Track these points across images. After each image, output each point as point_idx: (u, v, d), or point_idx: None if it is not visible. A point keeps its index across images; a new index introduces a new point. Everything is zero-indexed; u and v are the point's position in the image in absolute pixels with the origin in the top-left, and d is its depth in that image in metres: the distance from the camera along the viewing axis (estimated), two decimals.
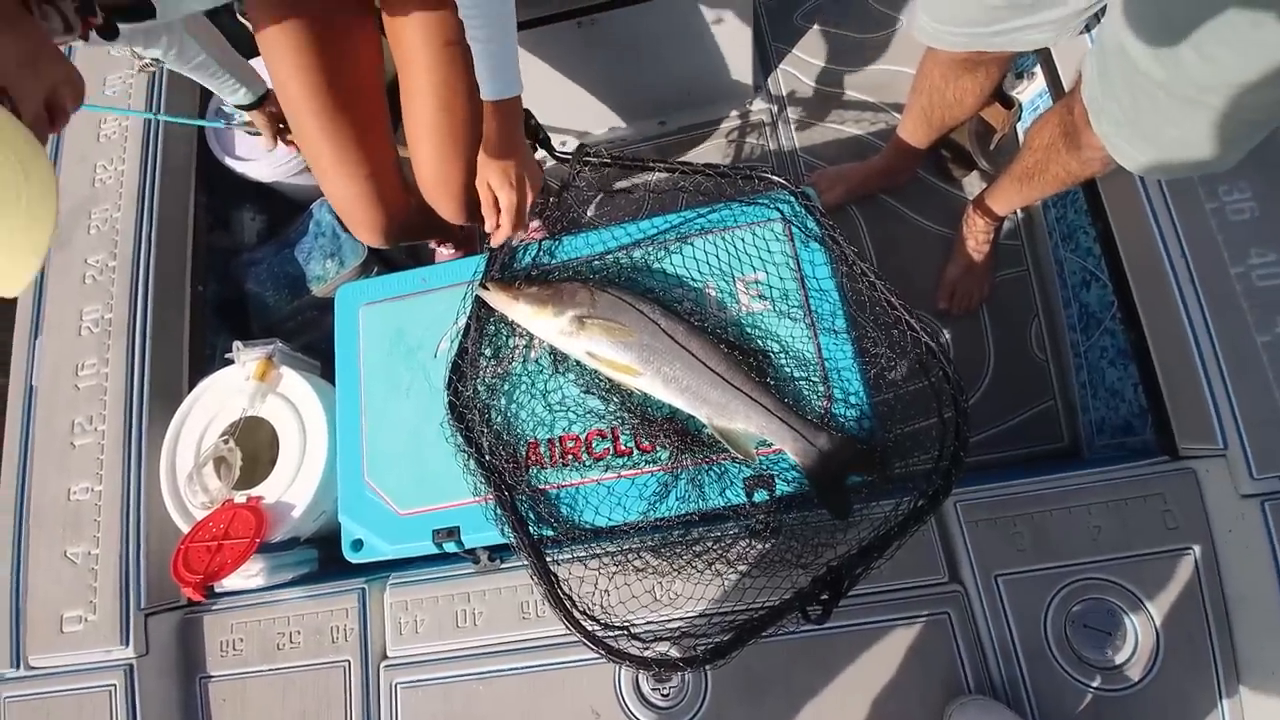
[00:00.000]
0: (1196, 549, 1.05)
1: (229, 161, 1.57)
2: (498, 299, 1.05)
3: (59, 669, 1.16)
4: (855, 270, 1.04)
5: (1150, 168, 1.04)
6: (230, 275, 1.61)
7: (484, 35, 0.94)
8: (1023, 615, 1.06)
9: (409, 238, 1.39)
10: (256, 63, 1.21)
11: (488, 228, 1.10)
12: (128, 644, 1.15)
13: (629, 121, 1.76)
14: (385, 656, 1.20)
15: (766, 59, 1.79)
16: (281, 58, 1.05)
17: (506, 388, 1.10)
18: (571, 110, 1.68)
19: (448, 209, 1.24)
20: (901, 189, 1.64)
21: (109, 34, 0.76)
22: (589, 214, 1.31)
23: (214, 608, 1.23)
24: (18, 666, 1.15)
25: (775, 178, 1.11)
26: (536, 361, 1.10)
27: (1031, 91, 1.54)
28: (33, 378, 1.29)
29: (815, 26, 1.80)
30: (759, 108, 1.77)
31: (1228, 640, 1.01)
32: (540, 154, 1.22)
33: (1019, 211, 1.58)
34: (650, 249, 1.13)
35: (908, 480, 1.00)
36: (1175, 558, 1.06)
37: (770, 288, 1.08)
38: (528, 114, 1.24)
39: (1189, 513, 1.06)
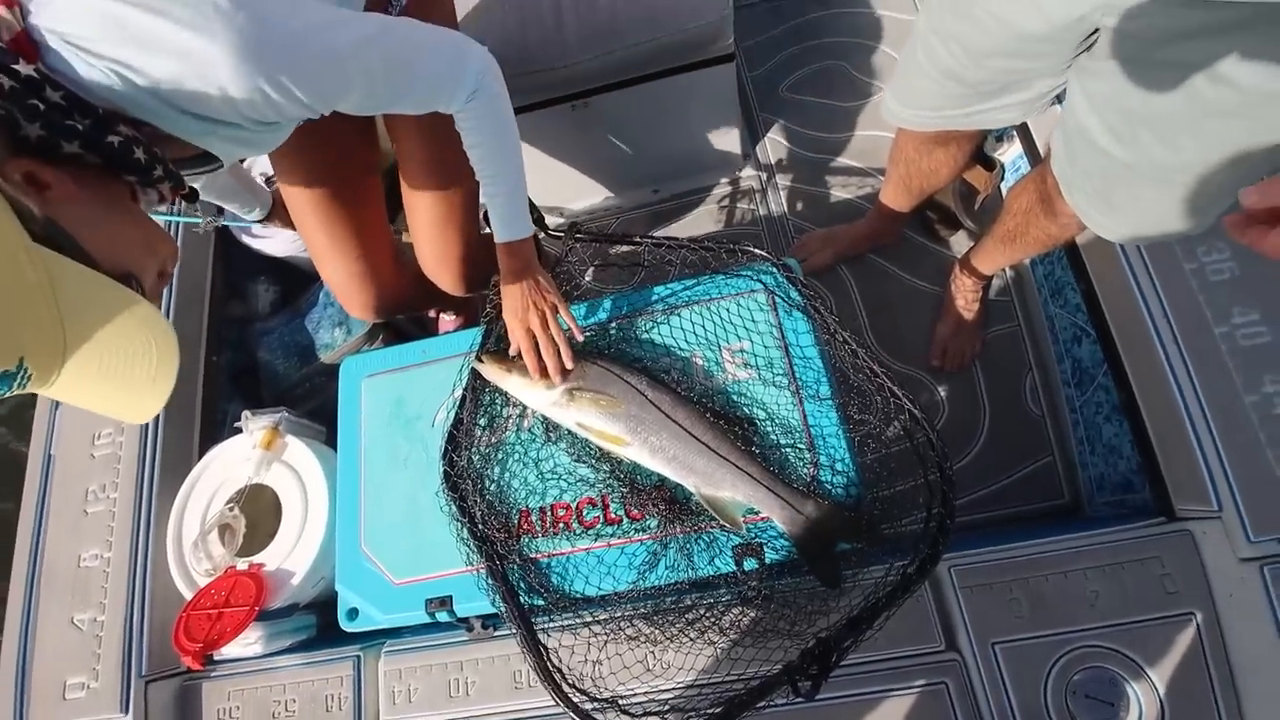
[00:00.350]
0: (1198, 614, 1.03)
1: (245, 239, 1.66)
2: (491, 371, 1.09)
3: None
4: (837, 338, 1.08)
5: (1126, 237, 1.07)
6: (244, 344, 1.68)
7: (502, 191, 0.99)
8: (1022, 684, 1.04)
9: (409, 310, 1.45)
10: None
11: (550, 370, 1.06)
12: (127, 712, 1.16)
13: (622, 191, 1.84)
14: None
15: (755, 128, 1.87)
16: (283, 156, 1.14)
17: (500, 456, 1.13)
18: (566, 184, 1.76)
19: (448, 283, 1.30)
20: (889, 249, 1.68)
21: (191, 198, 0.88)
22: (585, 280, 1.36)
23: (213, 674, 1.24)
24: None
25: (758, 251, 1.16)
26: (529, 430, 1.13)
27: (1012, 153, 1.59)
28: (51, 446, 1.34)
29: (801, 97, 1.88)
30: (749, 175, 1.84)
31: (1235, 710, 0.98)
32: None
33: (1007, 269, 1.61)
34: (639, 320, 1.17)
35: (897, 545, 1.00)
36: (1177, 624, 1.04)
37: (755, 356, 1.11)
38: None
39: (1188, 576, 1.05)
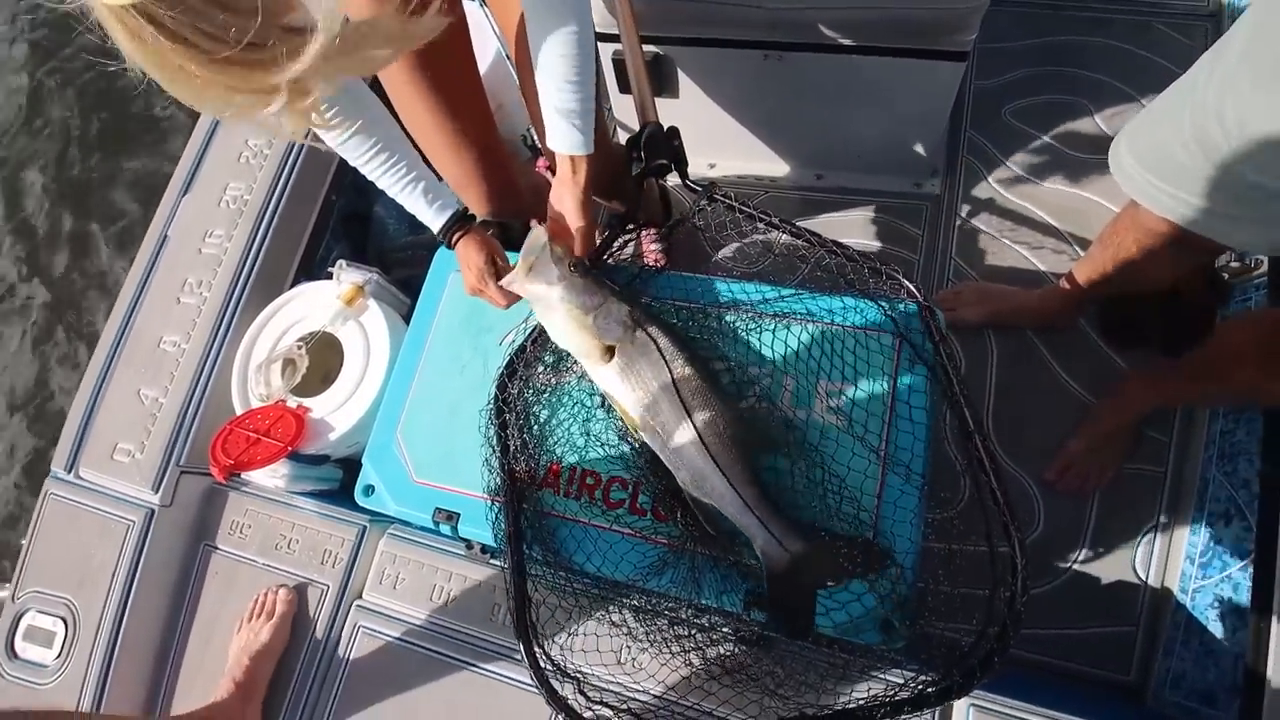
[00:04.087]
0: None
1: None
2: (539, 262, 0.97)
3: (98, 488, 1.28)
4: (958, 413, 0.93)
5: None
6: (365, 191, 1.68)
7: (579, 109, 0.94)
8: None
9: (521, 213, 1.40)
10: None
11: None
12: (156, 491, 1.25)
13: (784, 165, 1.67)
14: (360, 597, 1.23)
15: (957, 144, 1.63)
16: (398, 86, 1.10)
17: (553, 400, 1.07)
18: (727, 136, 1.61)
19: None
20: (1053, 335, 1.45)
21: None
22: (717, 256, 1.26)
23: (240, 489, 1.31)
24: (70, 471, 1.28)
25: (906, 281, 1.00)
26: (591, 385, 1.07)
27: (1247, 279, 1.30)
28: (168, 227, 1.41)
29: (1023, 126, 1.61)
30: (928, 193, 1.62)
31: None
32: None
33: (1179, 409, 1.36)
34: (742, 316, 1.06)
35: (929, 650, 0.89)
36: None
37: (853, 404, 0.98)
38: (674, 133, 1.20)
39: None
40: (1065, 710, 0.99)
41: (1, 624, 1.24)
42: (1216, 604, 1.17)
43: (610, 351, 0.95)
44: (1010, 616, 0.84)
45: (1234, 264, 1.32)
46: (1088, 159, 1.56)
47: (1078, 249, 1.50)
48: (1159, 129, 0.93)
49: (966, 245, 1.56)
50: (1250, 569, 1.08)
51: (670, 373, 0.92)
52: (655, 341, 0.94)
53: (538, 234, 0.97)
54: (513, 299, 1.07)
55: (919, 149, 1.55)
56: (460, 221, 1.07)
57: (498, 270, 1.07)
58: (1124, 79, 1.60)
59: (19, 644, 1.24)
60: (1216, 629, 1.15)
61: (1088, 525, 1.34)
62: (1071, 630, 1.28)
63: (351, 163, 1.01)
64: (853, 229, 1.63)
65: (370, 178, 1.02)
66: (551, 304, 0.96)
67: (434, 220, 1.06)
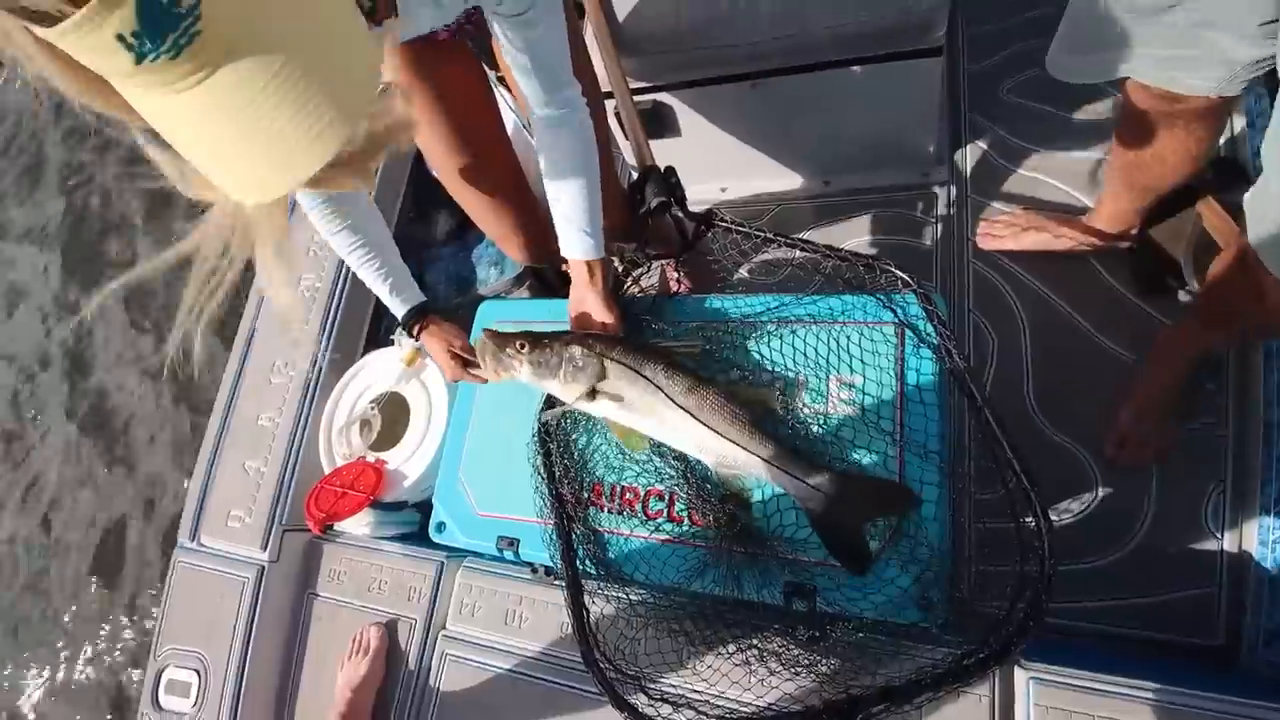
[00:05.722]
0: None
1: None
2: (493, 358, 1.07)
3: (217, 552, 1.47)
4: (964, 389, 0.96)
5: None
6: (416, 263, 1.88)
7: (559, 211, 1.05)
8: None
9: (555, 259, 1.53)
10: None
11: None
12: (265, 549, 1.43)
13: (791, 178, 1.75)
14: (444, 628, 1.35)
15: (960, 131, 1.66)
16: (421, 131, 1.21)
17: (590, 425, 1.17)
18: (732, 161, 1.70)
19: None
20: (1101, 252, 1.45)
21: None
22: (735, 276, 1.35)
23: (333, 540, 1.47)
24: (193, 540, 1.49)
25: (899, 272, 1.06)
26: None
27: None
28: (257, 321, 1.63)
29: (1024, 101, 1.63)
30: (937, 180, 1.65)
31: None
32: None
33: (1231, 354, 1.31)
34: (747, 327, 1.13)
35: (970, 625, 0.91)
36: None
37: (865, 394, 1.04)
38: (670, 171, 1.31)
39: None
40: (1148, 678, 0.97)
41: (148, 679, 1.44)
42: None
43: (593, 393, 1.03)
44: (1042, 582, 0.86)
45: None
46: (1091, 121, 1.56)
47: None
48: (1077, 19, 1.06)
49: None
50: None
51: (651, 381, 1.01)
52: (622, 362, 1.03)
53: (481, 342, 1.08)
54: (495, 377, 1.13)
55: (920, 141, 1.59)
56: (418, 315, 1.18)
57: (466, 360, 1.18)
58: None
59: (162, 697, 1.42)
60: None
61: (1150, 489, 1.31)
62: (1148, 599, 1.24)
63: (335, 250, 1.12)
64: (867, 228, 1.68)
65: (351, 266, 1.14)
66: (528, 380, 1.07)
67: (397, 310, 1.18)
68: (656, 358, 1.03)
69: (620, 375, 1.02)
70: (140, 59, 0.39)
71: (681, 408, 0.99)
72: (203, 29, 0.40)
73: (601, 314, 1.12)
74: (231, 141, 0.45)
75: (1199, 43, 0.94)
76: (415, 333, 1.20)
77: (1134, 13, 0.96)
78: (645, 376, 1.01)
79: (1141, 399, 1.31)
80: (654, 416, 1.01)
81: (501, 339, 1.07)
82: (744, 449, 0.97)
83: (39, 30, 0.37)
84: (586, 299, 1.13)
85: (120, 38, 0.37)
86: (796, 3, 1.30)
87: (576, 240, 1.08)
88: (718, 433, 0.97)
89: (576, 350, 1.04)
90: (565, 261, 1.73)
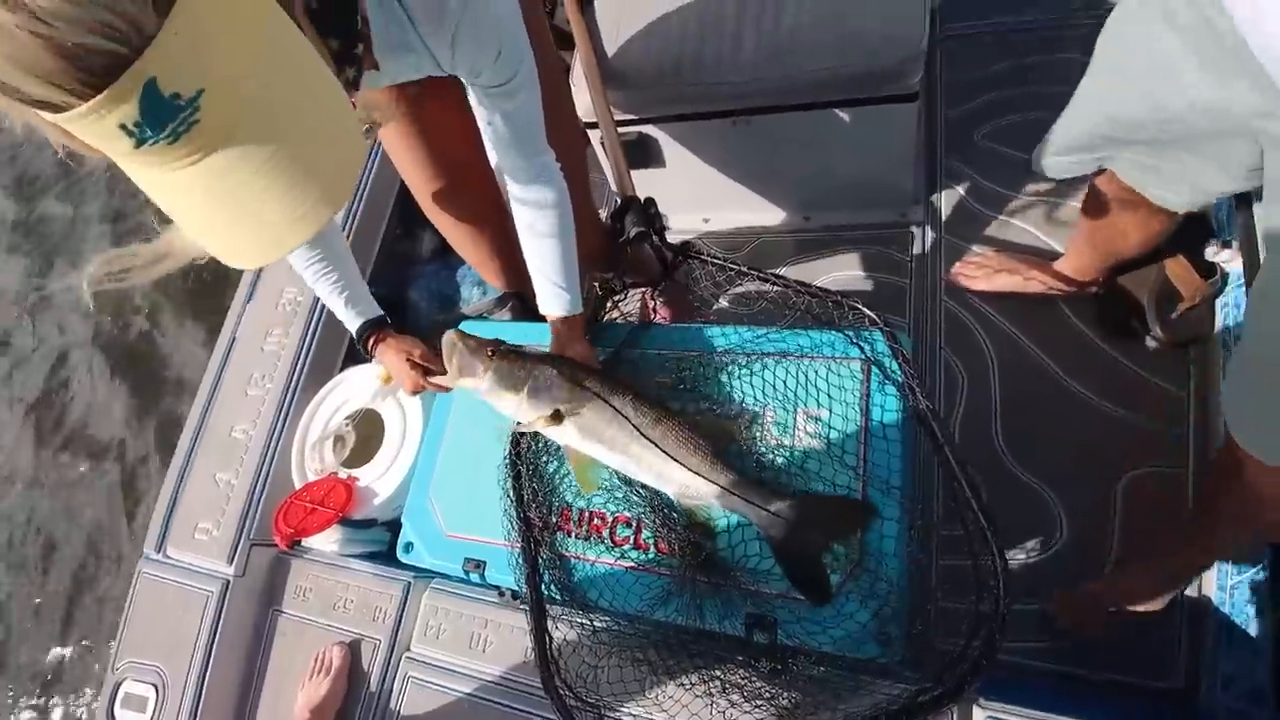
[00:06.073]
0: None
1: None
2: (459, 358, 1.04)
3: (182, 564, 1.46)
4: (928, 426, 0.98)
5: None
6: (400, 280, 1.89)
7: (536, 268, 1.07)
8: None
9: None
10: None
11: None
12: (231, 563, 1.42)
13: (771, 212, 1.78)
14: (409, 649, 1.34)
15: (935, 173, 1.71)
16: (402, 156, 1.24)
17: (559, 451, 1.18)
18: (713, 194, 1.74)
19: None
20: (1070, 297, 1.49)
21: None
22: (715, 306, 1.37)
23: (300, 557, 1.46)
24: (159, 551, 1.47)
25: (867, 311, 1.08)
26: None
27: (1237, 265, 1.31)
28: (237, 330, 1.63)
29: (997, 147, 1.68)
30: (914, 220, 1.69)
31: None
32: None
33: (1190, 396, 1.35)
34: (715, 359, 1.15)
35: (926, 661, 0.92)
36: None
37: (830, 428, 1.05)
38: (649, 203, 1.34)
39: None
40: (1108, 719, 0.98)
41: (104, 692, 1.41)
42: (1254, 599, 1.14)
43: (558, 416, 1.02)
44: (996, 621, 0.87)
45: (1220, 250, 1.34)
46: None
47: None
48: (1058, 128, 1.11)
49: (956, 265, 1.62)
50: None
51: (618, 411, 1.01)
52: (593, 390, 1.02)
53: (449, 338, 1.05)
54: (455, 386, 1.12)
55: (897, 182, 1.63)
56: (373, 327, 1.17)
57: (426, 368, 1.17)
58: None
59: (118, 712, 1.40)
60: (1253, 628, 1.11)
61: (1113, 531, 1.33)
62: (1109, 640, 1.26)
63: (293, 265, 1.11)
64: (844, 264, 1.71)
65: (306, 280, 1.13)
66: (486, 392, 1.04)
67: (351, 324, 1.17)
68: (624, 389, 1.04)
69: (586, 402, 1.03)
70: (140, 144, 0.41)
71: (646, 437, 1.00)
72: (201, 119, 0.42)
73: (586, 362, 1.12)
74: (221, 219, 0.48)
75: (1182, 168, 0.97)
76: (370, 346, 1.18)
77: (1128, 133, 0.98)
78: (613, 406, 1.01)
79: (1123, 597, 1.25)
80: (616, 446, 1.02)
81: (472, 340, 1.05)
82: (704, 478, 0.97)
83: (45, 115, 0.40)
84: (568, 351, 1.12)
85: (123, 126, 0.40)
86: (777, 47, 1.35)
87: (553, 296, 1.09)
88: (679, 462, 0.98)
89: (548, 369, 1.04)
90: None
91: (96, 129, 0.40)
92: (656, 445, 0.99)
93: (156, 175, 0.45)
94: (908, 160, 1.54)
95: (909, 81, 1.31)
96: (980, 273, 1.55)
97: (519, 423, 1.15)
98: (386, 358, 1.19)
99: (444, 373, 1.07)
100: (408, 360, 1.18)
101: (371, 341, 1.18)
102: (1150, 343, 1.42)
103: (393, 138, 1.25)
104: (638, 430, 1.00)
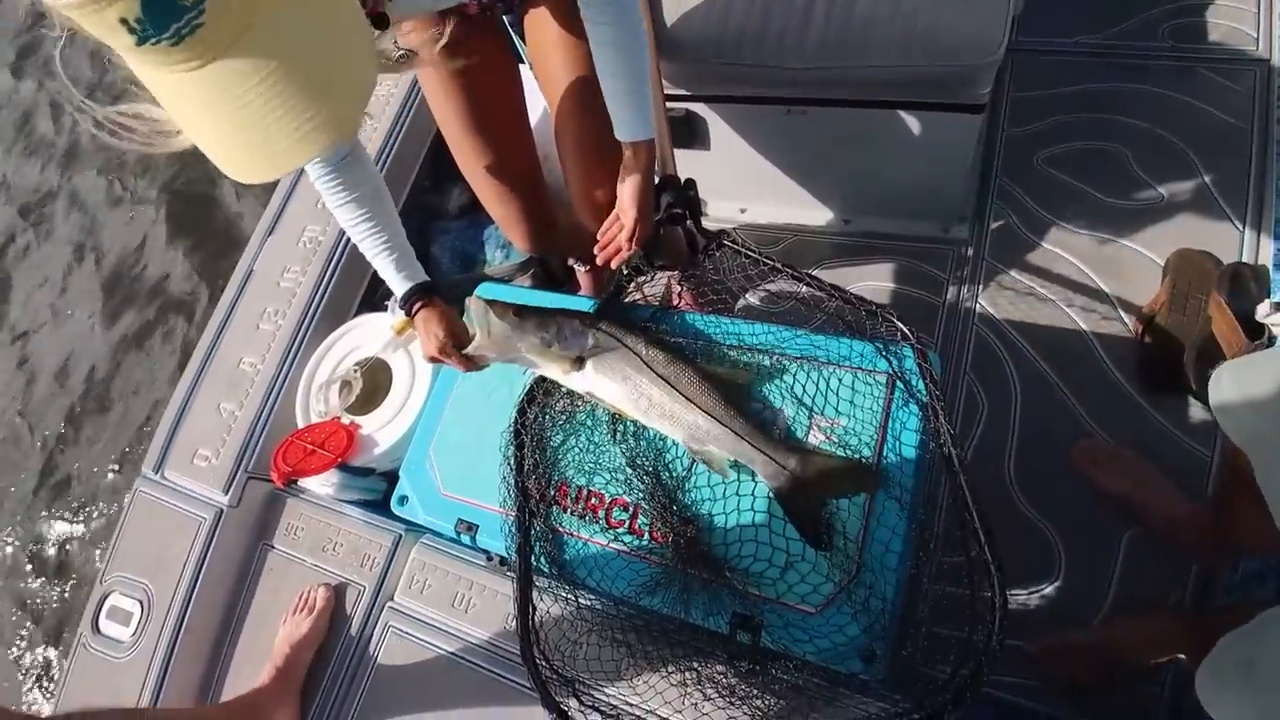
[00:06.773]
0: None
1: None
2: (492, 324, 1.06)
3: (179, 488, 1.46)
4: (947, 457, 0.96)
5: None
6: (424, 234, 1.87)
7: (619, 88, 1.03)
8: None
9: (559, 251, 1.52)
10: None
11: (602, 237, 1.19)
12: (227, 493, 1.42)
13: (812, 211, 1.73)
14: (392, 599, 1.34)
15: (987, 191, 1.65)
16: (441, 103, 1.22)
17: (567, 425, 1.16)
18: (756, 184, 1.69)
19: (591, 222, 1.34)
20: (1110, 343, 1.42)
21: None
22: (741, 299, 1.34)
23: (295, 495, 1.46)
24: (157, 472, 1.48)
25: (900, 324, 1.05)
26: (603, 413, 1.15)
27: None
28: (254, 263, 1.62)
29: (1056, 173, 1.62)
30: (957, 238, 1.64)
31: None
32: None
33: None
34: (747, 355, 1.12)
35: (908, 684, 0.90)
36: None
37: (846, 438, 1.03)
38: (690, 184, 1.30)
39: None
40: None
41: (90, 602, 1.43)
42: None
43: (580, 361, 1.05)
44: (986, 655, 0.85)
45: (1273, 313, 1.28)
46: (1127, 205, 1.54)
47: (1112, 300, 1.48)
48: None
49: (994, 291, 1.57)
50: None
51: (636, 353, 1.04)
52: (613, 335, 1.05)
53: (475, 304, 1.07)
54: (473, 365, 1.14)
55: (947, 195, 1.58)
56: (421, 293, 1.16)
57: (460, 341, 1.15)
58: (1163, 125, 1.57)
59: (103, 621, 1.41)
60: None
61: (1113, 581, 1.30)
62: (1092, 686, 1.24)
63: (341, 223, 1.11)
64: (878, 273, 1.67)
65: (353, 239, 1.13)
66: (519, 351, 1.07)
67: (398, 287, 1.15)
68: (639, 333, 1.07)
69: (603, 343, 1.05)
70: (143, 41, 0.42)
71: (661, 376, 1.01)
72: (205, 22, 0.42)
73: (630, 204, 1.12)
74: (220, 128, 0.48)
75: None
76: (414, 308, 1.17)
77: None
78: (626, 345, 1.04)
79: (1106, 645, 1.23)
80: (630, 384, 1.03)
81: (493, 304, 1.07)
82: (717, 420, 0.98)
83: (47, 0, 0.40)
84: (627, 182, 1.12)
85: (124, 21, 0.40)
86: (846, 37, 1.29)
87: (624, 119, 1.07)
88: (692, 402, 0.99)
89: (573, 321, 1.07)
90: (569, 255, 1.73)
91: (96, 20, 0.40)
92: (669, 384, 1.01)
93: (159, 75, 0.46)
94: (961, 174, 1.49)
95: (979, 91, 1.26)
96: (1109, 469, 1.35)
97: (529, 397, 1.14)
98: (425, 318, 1.17)
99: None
100: (447, 328, 1.16)
101: (416, 305, 1.17)
102: (1187, 398, 1.37)
103: (433, 83, 1.22)
104: (650, 368, 1.02)
